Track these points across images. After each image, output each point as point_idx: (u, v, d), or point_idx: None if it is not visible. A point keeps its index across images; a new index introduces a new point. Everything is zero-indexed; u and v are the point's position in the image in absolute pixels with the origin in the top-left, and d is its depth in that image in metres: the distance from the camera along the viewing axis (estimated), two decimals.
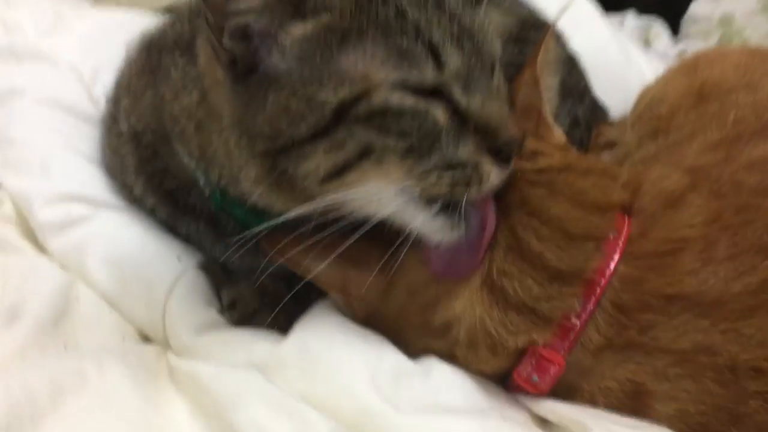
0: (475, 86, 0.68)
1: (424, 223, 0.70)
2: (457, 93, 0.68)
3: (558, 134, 0.82)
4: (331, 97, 0.65)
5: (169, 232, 0.90)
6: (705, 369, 0.67)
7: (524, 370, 0.72)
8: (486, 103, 0.69)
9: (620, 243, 0.72)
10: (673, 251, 0.71)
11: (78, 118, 1.03)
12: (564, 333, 0.71)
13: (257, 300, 0.82)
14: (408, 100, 0.65)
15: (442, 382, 0.72)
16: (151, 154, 0.85)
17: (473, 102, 0.68)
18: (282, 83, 0.66)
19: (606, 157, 1.27)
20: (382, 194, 0.69)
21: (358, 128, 0.65)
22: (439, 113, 0.67)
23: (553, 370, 0.71)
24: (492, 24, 0.75)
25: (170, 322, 0.80)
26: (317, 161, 0.67)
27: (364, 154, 0.66)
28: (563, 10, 0.96)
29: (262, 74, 0.67)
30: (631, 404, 0.69)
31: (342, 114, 0.65)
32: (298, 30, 0.66)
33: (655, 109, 1.19)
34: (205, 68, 0.71)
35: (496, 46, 0.73)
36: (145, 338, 0.84)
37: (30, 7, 1.19)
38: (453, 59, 0.66)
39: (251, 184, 0.71)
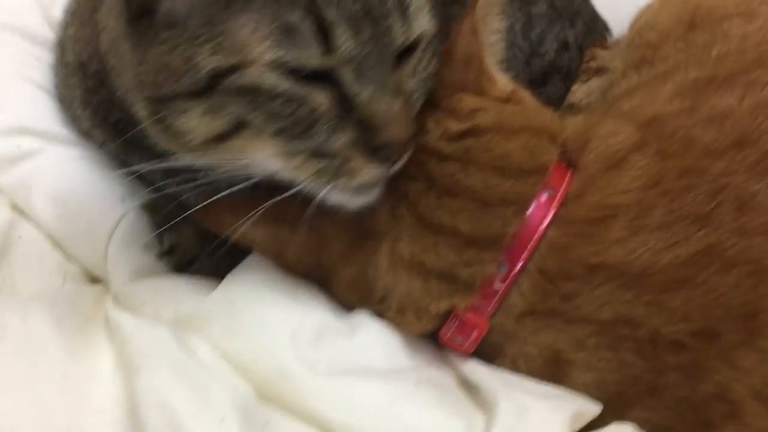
0: (369, 75, 0.63)
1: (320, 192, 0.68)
2: (348, 80, 0.63)
3: (502, 83, 0.78)
4: (205, 61, 0.62)
5: (121, 167, 0.89)
6: (624, 340, 0.67)
7: (448, 331, 0.72)
8: (376, 96, 0.64)
9: (553, 206, 0.70)
10: (604, 218, 0.68)
11: (34, 43, 1.00)
12: (487, 296, 0.70)
13: (197, 246, 0.81)
14: (284, 83, 0.62)
15: (367, 340, 0.72)
16: (97, 84, 0.83)
17: (363, 93, 0.63)
18: (168, 34, 0.63)
19: (594, 83, 1.22)
20: (270, 163, 0.67)
21: (231, 99, 0.63)
22: (320, 99, 0.63)
23: (475, 332, 0.70)
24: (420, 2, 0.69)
25: (110, 266, 0.81)
26: (196, 122, 0.65)
27: (240, 125, 0.64)
28: None
29: (154, 20, 0.64)
30: (550, 371, 0.69)
31: (216, 82, 0.62)
32: None
33: (645, 35, 1.13)
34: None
35: (414, 27, 0.67)
36: (94, 279, 0.85)
37: None
38: (347, 43, 0.61)
39: (147, 125, 0.69)
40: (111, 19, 0.72)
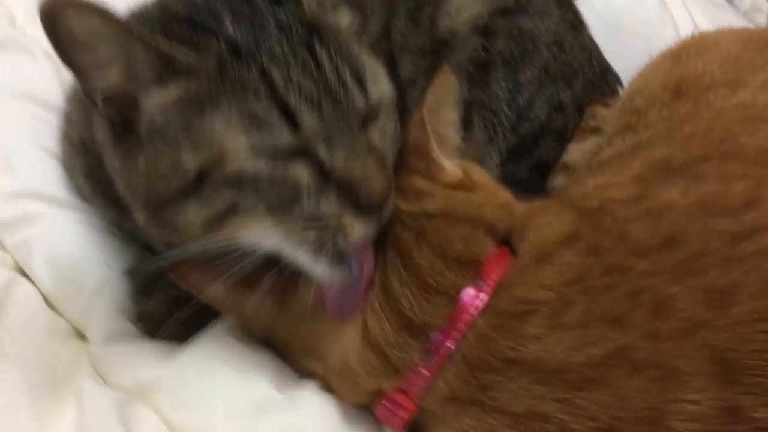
0: (338, 144, 0.70)
1: (305, 264, 0.74)
2: (321, 151, 0.70)
3: (451, 171, 0.82)
4: (190, 162, 0.69)
5: (118, 231, 0.97)
6: None
7: (378, 410, 0.76)
8: (349, 159, 0.71)
9: (480, 297, 0.73)
10: (524, 313, 0.71)
11: (48, 109, 1.09)
12: (414, 380, 0.74)
13: (167, 312, 0.88)
14: (264, 165, 0.68)
15: (306, 416, 0.77)
16: (97, 163, 0.91)
17: (336, 159, 0.70)
18: (151, 144, 0.71)
19: (589, 144, 1.23)
20: (262, 239, 0.73)
21: (221, 189, 0.69)
22: (301, 172, 0.70)
23: (401, 413, 0.74)
24: (373, 68, 0.75)
25: (89, 327, 0.89)
26: (192, 215, 0.71)
27: (233, 209, 0.70)
28: None
29: (137, 133, 0.72)
30: None
31: (204, 177, 0.69)
32: (161, 97, 0.70)
33: (634, 100, 1.14)
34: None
35: (372, 94, 0.74)
36: (83, 336, 0.93)
37: None
38: (311, 121, 0.69)
39: (143, 225, 0.76)
40: (99, 131, 0.79)
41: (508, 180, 1.16)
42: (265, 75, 0.69)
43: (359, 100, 0.72)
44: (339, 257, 0.73)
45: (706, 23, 1.61)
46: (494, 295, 0.74)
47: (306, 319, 0.79)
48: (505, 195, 0.86)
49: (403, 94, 1.12)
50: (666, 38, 1.32)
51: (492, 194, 0.83)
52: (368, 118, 0.74)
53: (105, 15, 0.66)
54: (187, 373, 0.79)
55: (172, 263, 0.79)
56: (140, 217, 0.76)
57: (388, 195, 0.73)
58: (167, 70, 0.69)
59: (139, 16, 0.77)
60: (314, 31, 0.73)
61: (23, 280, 0.94)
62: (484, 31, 1.10)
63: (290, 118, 0.68)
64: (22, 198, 0.99)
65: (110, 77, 0.69)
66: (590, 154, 1.19)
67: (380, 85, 0.76)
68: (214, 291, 0.78)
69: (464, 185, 0.82)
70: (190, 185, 0.69)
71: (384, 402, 0.75)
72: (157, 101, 0.70)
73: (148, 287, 0.91)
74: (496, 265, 0.76)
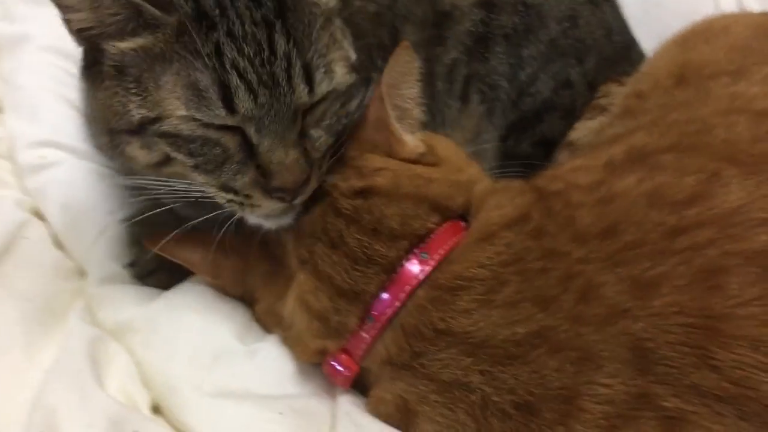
0: (267, 130, 0.75)
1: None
2: (250, 133, 0.75)
3: (412, 145, 0.85)
4: (134, 111, 0.75)
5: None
6: (459, 402, 0.73)
7: (325, 368, 0.82)
8: (272, 147, 0.76)
9: (422, 269, 0.78)
10: (458, 288, 0.75)
11: (75, 63, 1.17)
12: (356, 343, 0.79)
13: (156, 261, 0.96)
14: (197, 131, 0.75)
15: (262, 366, 0.84)
16: None
17: (261, 144, 0.75)
18: (110, 82, 0.78)
19: (595, 122, 1.23)
20: (194, 190, 0.80)
21: (157, 140, 0.77)
22: (229, 143, 0.76)
23: (344, 372, 0.80)
24: (334, 56, 0.79)
25: (88, 269, 0.97)
26: (136, 152, 0.79)
27: (167, 160, 0.78)
28: None
29: (102, 69, 0.79)
30: (401, 418, 0.78)
31: (144, 127, 0.76)
32: (121, 45, 0.76)
33: (640, 83, 1.14)
34: None
35: (319, 90, 0.78)
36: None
37: None
38: (246, 105, 0.73)
39: (105, 150, 0.87)
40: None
41: (509, 154, 1.19)
42: (218, 50, 0.72)
43: (301, 95, 0.76)
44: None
45: (754, 2, 1.55)
46: (437, 268, 0.77)
47: (266, 288, 0.85)
48: (470, 171, 0.88)
49: None
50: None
51: (454, 169, 0.86)
52: (310, 108, 0.78)
53: None
54: (160, 318, 0.87)
55: (148, 236, 0.88)
56: (102, 139, 0.84)
57: (299, 185, 0.77)
58: (130, 22, 0.74)
59: None
60: (284, 10, 0.76)
61: (38, 222, 1.03)
62: (487, 4, 1.11)
63: (229, 99, 0.72)
64: (44, 146, 1.08)
65: (81, 21, 0.75)
66: (594, 132, 1.20)
67: (334, 76, 0.79)
68: (189, 256, 0.86)
69: (425, 159, 0.85)
70: (134, 129, 0.76)
71: (329, 361, 0.81)
72: (116, 49, 0.75)
73: (142, 236, 0.98)
74: (443, 239, 0.79)
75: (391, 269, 0.77)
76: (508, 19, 1.12)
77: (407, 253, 0.77)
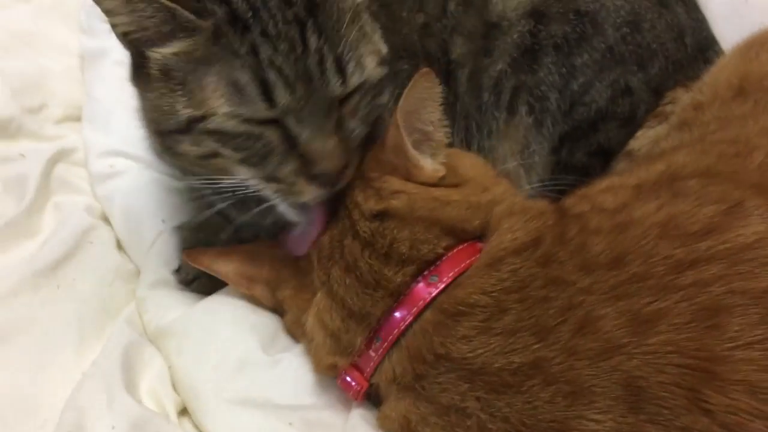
0: (307, 121, 0.80)
1: (277, 205, 0.89)
2: (291, 125, 0.80)
3: (431, 170, 0.86)
4: (182, 111, 0.81)
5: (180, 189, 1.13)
6: (456, 426, 0.75)
7: (339, 381, 0.85)
8: (312, 137, 0.81)
9: (432, 292, 0.79)
10: (459, 314, 0.76)
11: None
12: (366, 360, 0.82)
13: (195, 268, 1.01)
14: (241, 127, 0.80)
15: (283, 376, 0.88)
16: None
17: (302, 134, 0.80)
18: (157, 84, 0.83)
19: (654, 131, 1.18)
20: (241, 183, 0.86)
21: (205, 137, 0.82)
22: (272, 137, 0.81)
23: (355, 386, 0.83)
24: (364, 50, 0.84)
25: (141, 273, 1.05)
26: (186, 149, 0.85)
27: (215, 155, 0.84)
28: None
29: (149, 72, 0.84)
30: None
31: (192, 125, 0.81)
32: (163, 50, 0.81)
33: (701, 93, 1.09)
34: None
35: (351, 81, 0.82)
36: None
37: None
38: (285, 99, 0.78)
39: (156, 150, 0.93)
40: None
41: (564, 166, 1.17)
42: (254, 49, 0.77)
43: (335, 86, 0.80)
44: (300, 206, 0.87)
45: None
46: (444, 292, 0.78)
47: (293, 301, 0.89)
48: (496, 190, 0.88)
49: (453, 75, 1.15)
50: None
51: (477, 190, 0.86)
52: (345, 99, 0.83)
53: None
54: (194, 324, 0.92)
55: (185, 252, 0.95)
56: (153, 143, 0.91)
57: (342, 171, 0.83)
58: (168, 26, 0.78)
59: None
60: (314, 6, 0.80)
61: (105, 227, 1.12)
62: (535, 14, 1.09)
63: (267, 95, 0.77)
64: (113, 155, 1.18)
65: (123, 25, 0.80)
66: (653, 142, 1.15)
67: (364, 68, 0.83)
68: (224, 269, 0.91)
69: (446, 182, 0.86)
70: (182, 128, 0.82)
71: (342, 375, 0.83)
72: (159, 54, 0.80)
73: (191, 243, 1.05)
74: (454, 263, 0.80)
75: (397, 293, 0.78)
76: (559, 28, 1.09)
77: (414, 278, 0.79)
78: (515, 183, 1.16)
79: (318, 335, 0.84)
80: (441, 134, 0.86)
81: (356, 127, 0.86)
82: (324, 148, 0.81)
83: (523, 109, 1.10)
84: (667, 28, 1.18)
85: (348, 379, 0.83)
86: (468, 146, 1.15)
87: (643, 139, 1.18)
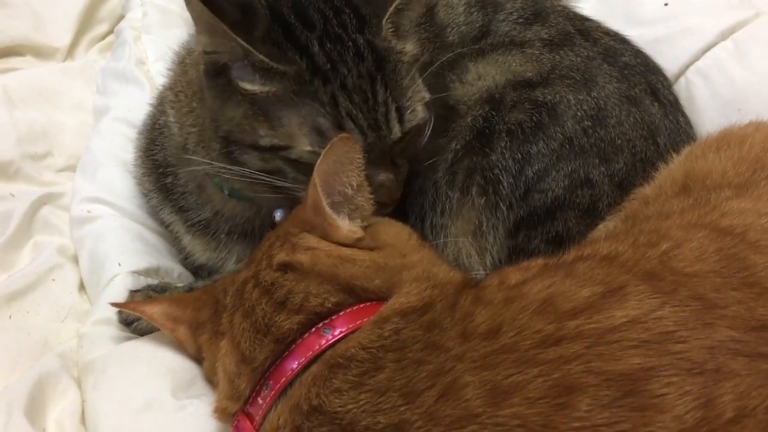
0: (374, 161, 0.94)
1: None
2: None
3: (346, 230, 0.89)
4: (266, 138, 0.93)
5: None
6: None
7: (232, 429, 0.87)
8: (376, 173, 0.95)
9: (322, 343, 0.81)
10: (336, 366, 0.77)
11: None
12: (255, 408, 0.83)
13: None
14: (315, 157, 0.87)
15: (185, 421, 0.90)
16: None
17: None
18: (240, 99, 0.93)
19: (610, 224, 1.18)
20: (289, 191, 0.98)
21: (278, 159, 0.94)
22: None
23: None
24: (417, 97, 0.98)
25: (92, 310, 1.10)
26: (252, 160, 0.96)
27: (279, 171, 0.96)
28: None
29: (230, 80, 0.93)
30: None
31: (273, 150, 0.93)
32: (249, 87, 0.92)
33: (649, 187, 1.09)
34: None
35: (407, 126, 0.97)
36: None
37: (156, 40, 1.55)
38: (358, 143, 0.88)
39: (212, 152, 1.01)
40: (192, 69, 1.08)
41: (521, 251, 1.17)
42: (334, 99, 0.91)
43: (395, 132, 0.95)
44: None
45: None
46: (332, 346, 0.80)
47: (207, 348, 0.93)
48: (413, 258, 0.90)
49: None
50: None
51: (393, 255, 0.88)
52: (400, 140, 0.97)
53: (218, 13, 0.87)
54: (114, 362, 0.96)
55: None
56: (212, 146, 1.01)
57: (395, 200, 1.00)
58: (258, 69, 0.91)
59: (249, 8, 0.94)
60: (382, 62, 0.94)
61: (72, 267, 1.19)
62: (491, 100, 1.12)
63: None
64: (93, 201, 1.25)
65: (216, 54, 0.93)
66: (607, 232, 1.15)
67: (417, 114, 0.98)
68: (149, 310, 0.96)
69: (362, 244, 0.89)
70: (261, 148, 0.94)
71: (234, 422, 0.85)
72: (246, 90, 0.92)
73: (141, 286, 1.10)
74: (349, 318, 0.81)
75: (284, 341, 0.80)
76: (515, 115, 1.12)
77: (304, 328, 0.80)
78: (468, 262, 1.17)
79: (221, 380, 0.86)
80: (362, 199, 0.90)
81: (403, 164, 1.01)
82: (385, 182, 0.95)
83: (474, 190, 1.12)
84: (635, 125, 1.20)
85: (239, 426, 0.84)
86: (422, 222, 1.17)
87: (601, 231, 1.18)
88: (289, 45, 0.92)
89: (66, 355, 1.03)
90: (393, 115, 0.94)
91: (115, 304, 0.98)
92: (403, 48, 0.99)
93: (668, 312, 0.70)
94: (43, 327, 1.07)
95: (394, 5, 0.95)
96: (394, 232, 0.94)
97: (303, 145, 0.91)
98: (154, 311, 0.95)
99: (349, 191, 0.89)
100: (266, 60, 0.89)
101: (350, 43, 0.94)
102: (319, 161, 0.85)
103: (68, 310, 1.12)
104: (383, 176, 0.96)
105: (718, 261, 0.75)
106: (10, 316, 1.06)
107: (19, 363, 0.99)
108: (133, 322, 1.07)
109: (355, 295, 0.83)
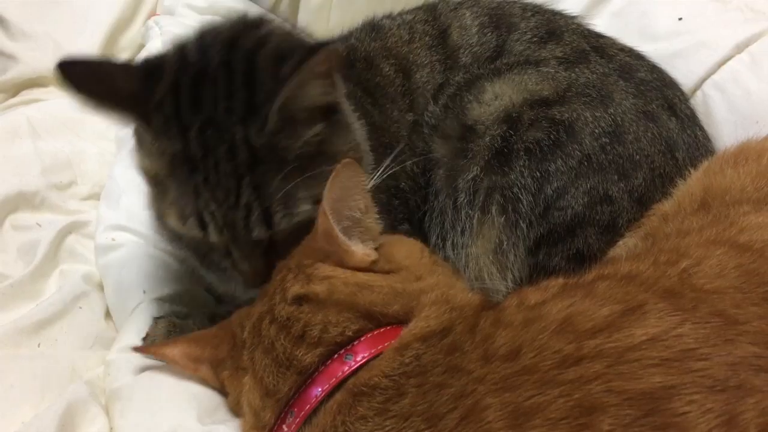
0: (236, 252, 0.96)
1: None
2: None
3: (360, 256, 0.89)
4: (174, 222, 0.98)
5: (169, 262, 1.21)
6: None
7: None
8: (239, 260, 0.97)
9: (340, 371, 0.81)
10: (360, 394, 0.78)
11: None
12: None
13: (162, 336, 1.07)
14: (191, 236, 0.97)
15: None
16: None
17: (233, 255, 0.97)
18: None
19: (631, 241, 1.18)
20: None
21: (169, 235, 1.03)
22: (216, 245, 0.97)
23: None
24: (299, 194, 0.94)
25: (118, 338, 1.12)
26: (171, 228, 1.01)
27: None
28: None
29: None
30: None
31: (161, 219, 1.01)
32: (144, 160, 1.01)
33: (665, 205, 1.09)
34: None
35: (277, 228, 0.95)
36: None
37: None
38: (215, 237, 0.94)
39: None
40: None
41: (542, 268, 1.17)
42: (197, 190, 0.90)
43: (257, 234, 0.93)
44: None
45: None
46: (354, 373, 0.80)
47: (230, 384, 0.94)
48: (430, 280, 0.90)
49: (433, 173, 1.20)
50: None
51: (409, 277, 0.89)
52: (271, 238, 0.95)
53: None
54: (140, 389, 0.97)
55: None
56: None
57: (257, 282, 0.96)
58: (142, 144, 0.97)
59: (156, 66, 0.97)
60: (255, 161, 0.90)
61: (98, 295, 1.21)
62: (509, 119, 1.13)
63: (205, 229, 0.93)
64: (117, 229, 1.27)
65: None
66: (628, 251, 1.15)
67: (296, 215, 0.94)
68: (170, 353, 0.98)
69: (377, 267, 0.89)
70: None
71: None
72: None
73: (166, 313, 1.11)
74: (370, 344, 0.82)
75: (306, 373, 0.81)
76: (533, 133, 1.13)
77: (325, 358, 0.81)
78: (489, 281, 1.17)
79: (246, 413, 0.87)
80: (371, 221, 0.91)
81: (289, 247, 0.94)
82: (248, 270, 0.96)
83: (494, 209, 1.13)
84: (653, 140, 1.20)
85: None
86: (443, 242, 1.18)
87: (623, 248, 1.18)
88: (174, 122, 0.91)
89: (94, 382, 1.04)
90: (257, 217, 0.91)
91: (136, 348, 1.01)
92: (289, 144, 0.92)
93: (689, 329, 0.69)
94: (71, 355, 1.09)
95: (281, 97, 0.88)
96: (406, 251, 0.95)
97: (174, 221, 0.94)
98: (175, 353, 0.97)
99: (358, 214, 0.90)
100: (146, 135, 0.93)
101: (228, 135, 0.90)
102: (326, 190, 0.86)
103: (95, 338, 1.14)
104: (244, 265, 0.97)
105: (737, 277, 0.75)
106: (39, 345, 1.08)
107: (48, 391, 1.01)
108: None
109: (375, 320, 0.84)
